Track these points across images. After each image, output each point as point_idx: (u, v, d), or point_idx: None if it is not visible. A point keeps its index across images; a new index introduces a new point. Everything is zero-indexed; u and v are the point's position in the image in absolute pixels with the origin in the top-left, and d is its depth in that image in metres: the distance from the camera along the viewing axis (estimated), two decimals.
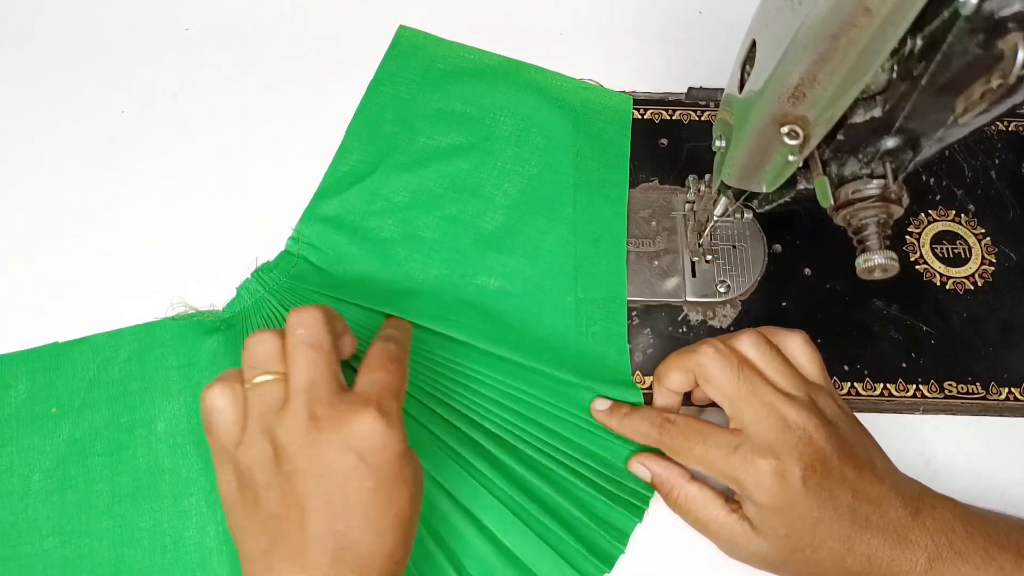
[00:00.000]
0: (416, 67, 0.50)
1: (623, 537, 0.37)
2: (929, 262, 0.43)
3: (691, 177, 0.42)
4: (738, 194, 0.36)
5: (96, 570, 0.37)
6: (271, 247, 0.44)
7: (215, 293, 0.43)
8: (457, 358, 0.40)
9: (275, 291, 0.42)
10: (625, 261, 0.44)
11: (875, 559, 0.32)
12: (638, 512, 0.38)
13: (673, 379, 0.36)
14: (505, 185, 0.46)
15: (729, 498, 0.35)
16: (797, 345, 0.36)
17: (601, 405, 0.38)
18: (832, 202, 0.30)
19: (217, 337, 0.41)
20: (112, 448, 0.39)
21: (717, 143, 0.34)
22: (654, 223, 0.45)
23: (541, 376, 0.39)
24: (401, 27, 0.51)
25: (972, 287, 0.43)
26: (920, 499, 0.33)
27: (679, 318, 0.42)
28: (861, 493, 0.32)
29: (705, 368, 0.34)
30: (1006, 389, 0.40)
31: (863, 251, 0.31)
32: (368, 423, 0.29)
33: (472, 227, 0.45)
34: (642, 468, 0.37)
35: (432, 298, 0.42)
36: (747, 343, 0.35)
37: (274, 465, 0.29)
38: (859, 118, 0.27)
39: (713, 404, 0.38)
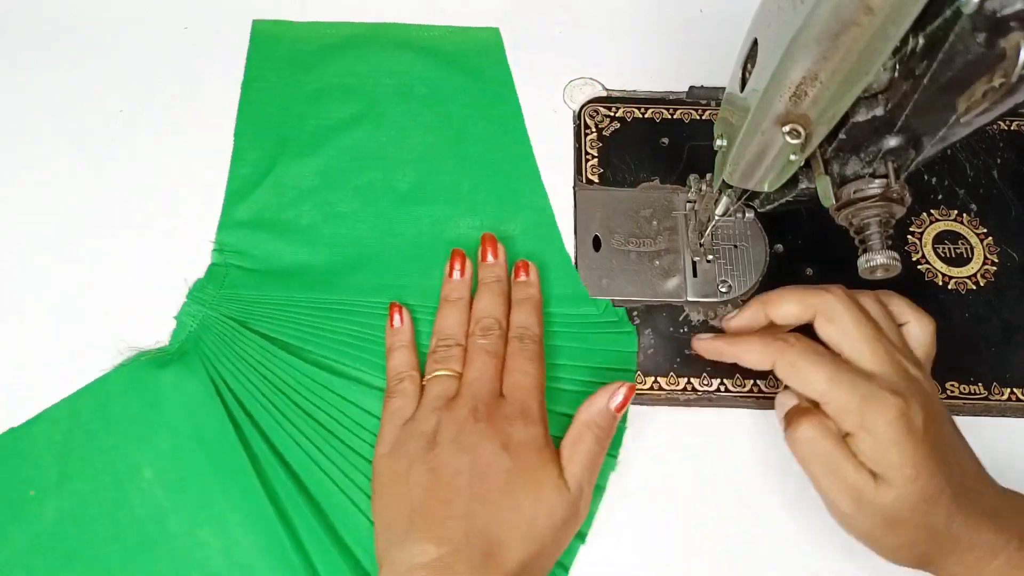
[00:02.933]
0: (282, 55, 0.50)
1: (598, 492, 0.38)
2: (931, 262, 0.43)
3: (692, 176, 0.42)
4: (739, 193, 0.36)
5: None
6: (197, 265, 0.43)
7: (155, 325, 0.42)
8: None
9: (216, 305, 0.42)
10: (540, 181, 0.46)
11: (980, 528, 0.32)
12: (610, 461, 0.39)
13: (786, 310, 0.35)
14: (406, 141, 0.47)
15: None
16: (925, 329, 0.36)
17: (703, 336, 0.38)
18: (834, 201, 0.30)
19: (174, 368, 0.40)
20: (106, 509, 0.38)
21: (718, 142, 0.34)
22: (655, 223, 0.45)
23: None
24: (255, 21, 0.51)
25: (974, 287, 0.43)
26: (1001, 487, 0.34)
27: (680, 318, 0.42)
28: (962, 463, 0.33)
29: (833, 308, 0.34)
30: (1008, 389, 0.40)
31: (865, 251, 0.31)
32: (515, 427, 0.34)
33: (388, 189, 0.46)
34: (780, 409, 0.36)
35: (371, 266, 0.43)
36: (870, 300, 0.36)
37: (430, 442, 0.34)
38: (861, 117, 0.27)
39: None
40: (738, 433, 0.40)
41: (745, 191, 0.35)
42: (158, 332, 0.42)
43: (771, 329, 0.37)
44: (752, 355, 0.35)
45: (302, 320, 0.41)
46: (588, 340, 0.41)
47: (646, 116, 0.48)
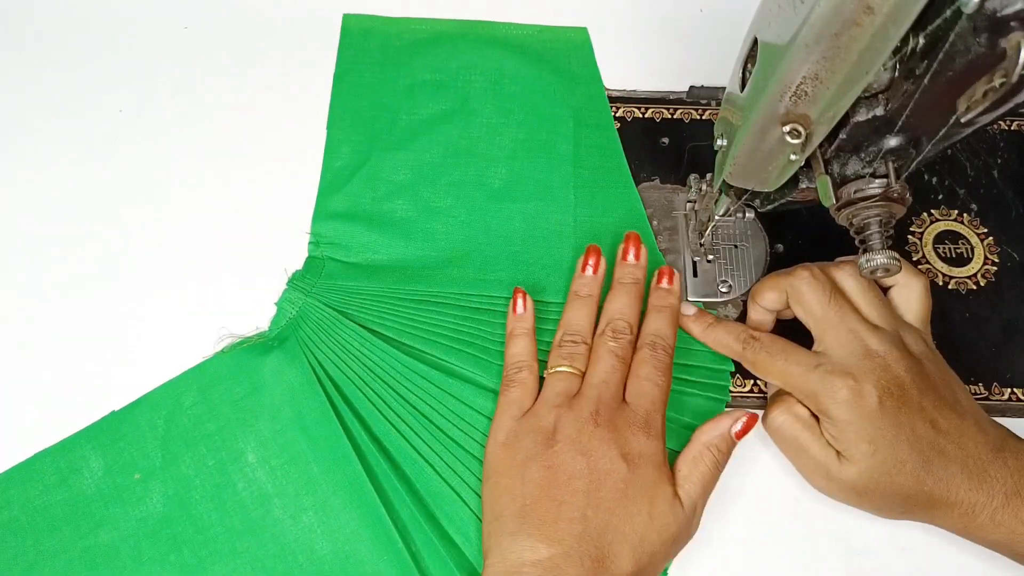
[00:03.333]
0: (373, 50, 0.51)
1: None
2: (931, 262, 0.43)
3: (692, 176, 0.42)
4: (740, 193, 0.36)
5: None
6: (296, 256, 0.44)
7: (255, 312, 0.43)
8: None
9: (315, 293, 0.42)
10: (631, 179, 0.46)
11: (953, 486, 0.33)
12: (723, 392, 0.40)
13: (767, 298, 0.38)
14: (497, 138, 0.47)
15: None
16: (912, 288, 0.38)
17: (688, 310, 0.40)
18: (834, 201, 0.30)
19: (275, 355, 0.41)
20: (211, 492, 0.38)
21: (719, 142, 0.34)
22: (655, 222, 0.45)
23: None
24: (345, 16, 0.52)
25: (975, 287, 0.43)
26: (1004, 440, 0.34)
27: None
28: (939, 424, 0.34)
29: (798, 290, 0.36)
30: (1008, 389, 0.40)
31: (865, 251, 0.31)
32: (636, 437, 0.34)
33: (480, 186, 0.46)
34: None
35: (466, 261, 0.44)
36: (845, 274, 0.37)
37: (548, 440, 0.34)
38: (861, 117, 0.27)
39: None
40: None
41: (745, 191, 0.35)
42: (258, 319, 0.43)
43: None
44: (721, 348, 0.39)
45: (399, 311, 0.42)
46: (684, 339, 0.40)
47: (646, 116, 0.48)
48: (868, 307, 0.36)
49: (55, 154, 0.47)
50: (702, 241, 0.43)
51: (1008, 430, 0.35)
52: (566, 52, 0.50)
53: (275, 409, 0.40)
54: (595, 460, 0.33)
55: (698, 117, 0.48)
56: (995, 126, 0.47)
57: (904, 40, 0.23)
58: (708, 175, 0.42)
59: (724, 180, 0.35)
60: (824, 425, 0.35)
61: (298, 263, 0.44)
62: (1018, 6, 0.20)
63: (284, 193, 0.46)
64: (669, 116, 0.48)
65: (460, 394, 0.39)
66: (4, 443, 0.40)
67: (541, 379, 0.38)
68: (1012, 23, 0.21)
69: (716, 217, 0.40)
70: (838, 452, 0.35)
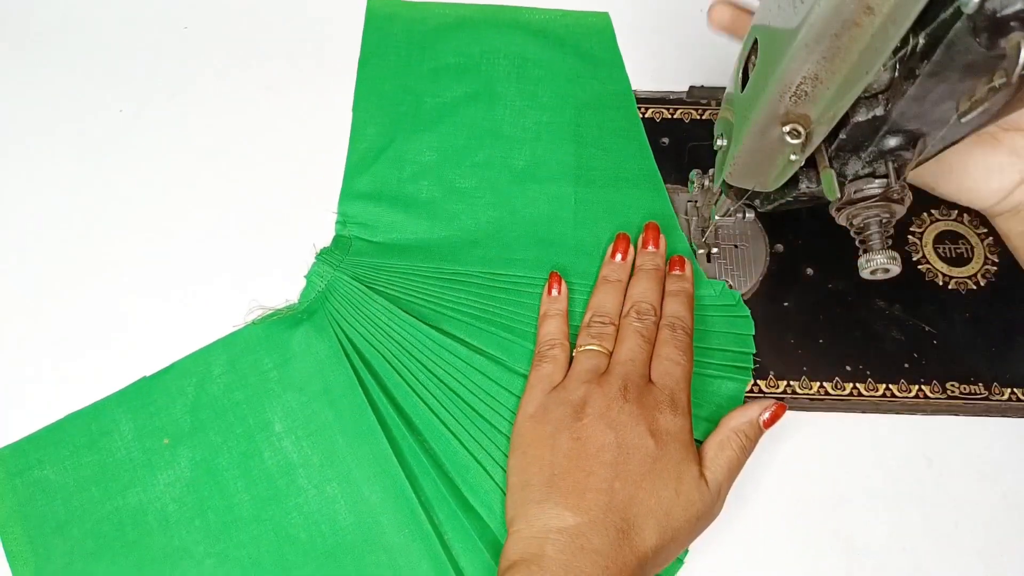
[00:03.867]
0: (398, 34, 0.51)
1: (739, 400, 0.40)
2: (931, 262, 0.43)
3: (695, 172, 0.42)
4: (740, 193, 0.36)
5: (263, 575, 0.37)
6: (323, 233, 0.45)
7: (285, 285, 0.44)
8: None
9: (344, 268, 0.43)
10: (654, 161, 0.46)
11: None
12: (746, 372, 0.40)
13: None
14: (521, 120, 0.48)
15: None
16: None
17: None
18: (839, 195, 0.30)
19: (304, 327, 0.42)
20: (238, 459, 0.39)
21: (719, 142, 0.34)
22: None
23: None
24: (370, 0, 0.52)
25: (975, 287, 0.43)
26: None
27: None
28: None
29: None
30: (1008, 389, 0.40)
31: (865, 251, 0.31)
32: (662, 413, 0.34)
33: (504, 167, 0.47)
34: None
35: (490, 241, 0.44)
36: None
37: (577, 413, 0.35)
38: (861, 117, 0.27)
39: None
40: None
41: (746, 191, 0.35)
42: (288, 293, 0.43)
43: None
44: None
45: (424, 288, 0.42)
46: (705, 322, 0.41)
47: (646, 116, 0.48)
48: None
49: (55, 153, 0.47)
50: (703, 241, 0.43)
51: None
52: (588, 36, 0.51)
53: (303, 381, 0.41)
54: (624, 434, 0.34)
55: (698, 117, 0.48)
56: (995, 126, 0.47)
57: (904, 40, 0.23)
58: (710, 171, 0.42)
59: (724, 180, 0.35)
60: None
61: (326, 242, 0.45)
62: (1018, 6, 0.20)
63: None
64: (669, 116, 0.48)
65: (486, 370, 0.40)
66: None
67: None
68: (1012, 23, 0.21)
69: (716, 217, 0.40)
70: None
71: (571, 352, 0.39)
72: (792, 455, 0.40)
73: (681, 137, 0.47)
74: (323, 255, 0.44)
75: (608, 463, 0.33)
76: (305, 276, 0.43)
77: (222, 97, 0.49)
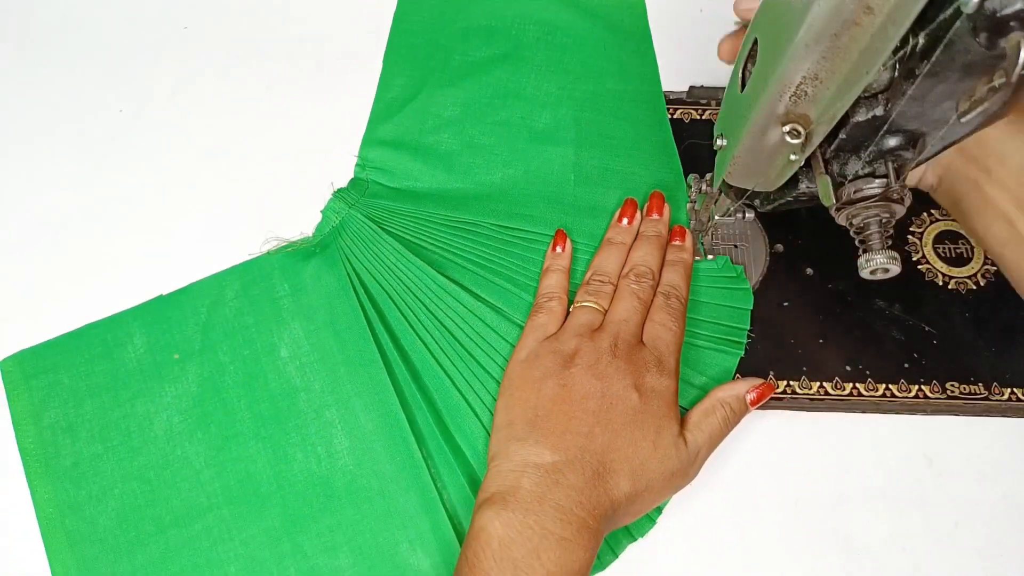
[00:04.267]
0: None
1: (730, 373, 0.41)
2: (931, 262, 0.43)
3: (692, 176, 0.42)
4: (740, 193, 0.36)
5: (259, 490, 0.39)
6: (342, 174, 0.47)
7: (301, 219, 0.46)
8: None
9: (359, 207, 0.45)
10: (671, 134, 0.47)
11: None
12: (738, 346, 0.41)
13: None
14: (545, 85, 0.49)
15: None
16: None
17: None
18: (835, 201, 0.30)
19: (316, 260, 0.44)
20: (243, 379, 0.41)
21: (718, 142, 0.34)
22: None
23: None
24: None
25: (974, 287, 0.43)
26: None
27: None
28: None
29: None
30: (1008, 389, 0.40)
31: (865, 251, 0.31)
32: (650, 373, 0.36)
33: (524, 128, 0.48)
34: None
35: (502, 197, 0.45)
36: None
37: (567, 362, 0.36)
38: (861, 117, 0.27)
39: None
40: (745, 434, 0.40)
41: (745, 191, 0.35)
42: (304, 226, 0.45)
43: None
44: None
45: (435, 234, 0.44)
46: (703, 294, 0.42)
47: None
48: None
49: (55, 153, 0.47)
50: (702, 240, 0.43)
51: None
52: (620, 9, 0.52)
53: (311, 311, 0.42)
54: (609, 386, 0.35)
55: (698, 117, 0.48)
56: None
57: (904, 40, 0.23)
58: (708, 175, 0.42)
59: (724, 180, 0.35)
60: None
61: (344, 183, 0.47)
62: (1018, 6, 0.20)
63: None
64: (669, 116, 0.48)
65: (485, 316, 0.41)
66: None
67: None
68: (1012, 23, 0.21)
69: (716, 217, 0.40)
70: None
71: (569, 307, 0.40)
72: (792, 455, 0.40)
73: (681, 137, 0.47)
74: (339, 193, 0.46)
75: (591, 411, 0.34)
76: (321, 211, 0.45)
77: (222, 97, 0.49)
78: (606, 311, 0.39)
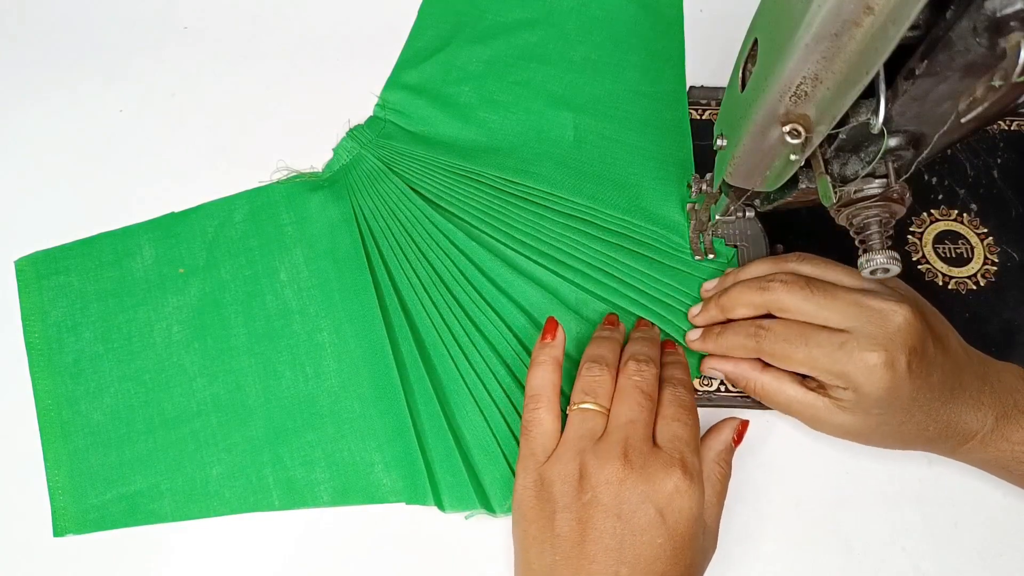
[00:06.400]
0: None
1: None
2: (931, 262, 0.43)
3: (692, 176, 0.42)
4: (740, 193, 0.36)
5: (247, 401, 0.41)
6: (361, 113, 0.49)
7: (313, 153, 0.47)
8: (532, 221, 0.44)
9: (369, 147, 0.47)
10: (687, 116, 0.48)
11: (952, 423, 0.34)
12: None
13: (740, 312, 0.37)
14: (570, 53, 0.51)
15: (804, 377, 0.36)
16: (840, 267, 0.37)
17: (694, 335, 0.40)
18: (835, 201, 0.30)
19: (322, 193, 0.45)
20: (242, 297, 0.43)
21: (718, 142, 0.34)
22: None
23: (625, 217, 0.44)
24: None
25: (974, 287, 0.43)
26: (985, 364, 0.35)
27: None
28: (947, 368, 0.34)
29: (781, 302, 0.35)
30: None
31: (865, 251, 0.31)
32: (673, 483, 0.31)
33: (543, 90, 0.49)
34: (714, 372, 0.39)
35: (512, 153, 0.47)
36: (798, 262, 0.37)
37: (577, 489, 0.32)
38: (861, 117, 0.27)
39: None
40: (745, 434, 0.40)
41: (745, 191, 0.35)
42: (314, 160, 0.47)
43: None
44: (736, 351, 0.37)
45: (441, 179, 0.45)
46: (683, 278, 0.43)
47: None
48: (841, 275, 0.36)
49: (55, 153, 0.47)
50: (701, 242, 0.43)
51: (982, 353, 0.36)
52: None
53: (313, 239, 0.44)
54: (630, 514, 0.31)
55: (698, 117, 0.48)
56: (995, 126, 0.47)
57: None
58: (708, 175, 0.42)
59: (724, 180, 0.35)
60: (840, 393, 0.34)
61: (361, 120, 0.48)
62: (1018, 6, 0.20)
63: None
64: None
65: (480, 262, 0.43)
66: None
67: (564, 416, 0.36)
68: (1012, 23, 0.21)
69: (716, 217, 0.40)
70: (839, 402, 0.34)
71: (563, 408, 0.37)
72: (792, 455, 0.40)
73: None
74: (354, 132, 0.48)
75: (612, 549, 0.31)
76: (333, 149, 0.47)
77: (223, 97, 0.49)
78: (608, 410, 0.35)
